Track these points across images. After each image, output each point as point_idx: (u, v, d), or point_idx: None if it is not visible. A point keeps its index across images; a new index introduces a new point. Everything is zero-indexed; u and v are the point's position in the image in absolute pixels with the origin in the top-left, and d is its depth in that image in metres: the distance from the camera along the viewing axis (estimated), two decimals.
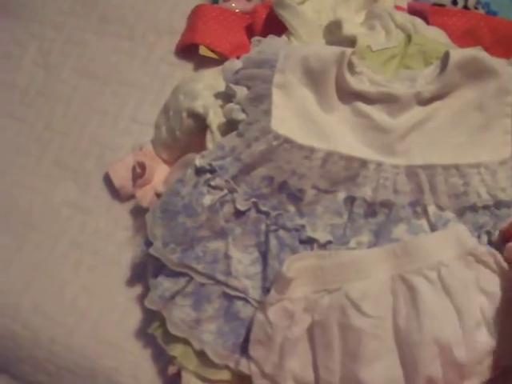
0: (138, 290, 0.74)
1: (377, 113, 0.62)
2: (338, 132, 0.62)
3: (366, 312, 0.55)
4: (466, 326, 0.55)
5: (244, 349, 0.61)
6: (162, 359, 0.68)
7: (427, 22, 0.75)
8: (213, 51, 0.81)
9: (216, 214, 0.62)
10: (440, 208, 0.60)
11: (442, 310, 0.55)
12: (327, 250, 0.59)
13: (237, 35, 0.81)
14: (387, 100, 0.62)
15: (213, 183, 0.62)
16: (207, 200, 0.62)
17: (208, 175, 0.63)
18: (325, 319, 0.56)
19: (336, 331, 0.56)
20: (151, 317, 0.68)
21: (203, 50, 0.81)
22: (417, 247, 0.57)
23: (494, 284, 0.56)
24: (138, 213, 0.76)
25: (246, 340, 0.61)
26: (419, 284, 0.56)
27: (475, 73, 0.62)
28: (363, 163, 0.61)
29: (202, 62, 0.83)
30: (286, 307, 0.56)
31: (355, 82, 0.63)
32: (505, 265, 0.57)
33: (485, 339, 0.55)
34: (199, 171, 0.63)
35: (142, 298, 0.72)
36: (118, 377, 0.70)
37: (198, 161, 0.63)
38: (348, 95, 0.63)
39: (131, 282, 0.74)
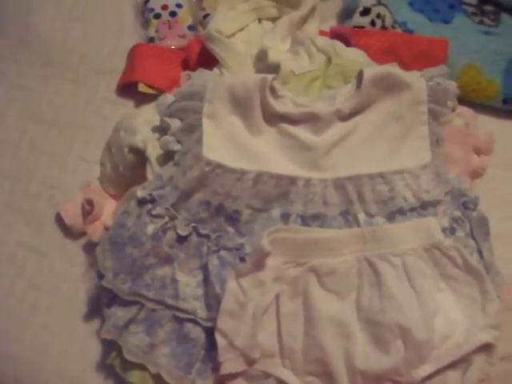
0: (95, 324, 0.75)
1: (301, 132, 0.66)
2: (266, 153, 0.66)
3: (329, 287, 0.59)
4: (425, 311, 0.58)
5: (198, 369, 0.63)
6: None
7: (350, 44, 0.80)
8: (151, 87, 0.85)
9: (160, 242, 0.65)
10: (369, 215, 0.64)
11: (404, 294, 0.59)
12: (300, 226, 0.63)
13: (173, 70, 0.84)
14: (310, 119, 0.66)
15: (154, 212, 0.65)
16: (150, 229, 0.65)
17: (149, 205, 0.66)
18: (292, 289, 0.60)
19: (301, 300, 0.60)
20: (110, 348, 0.70)
21: (142, 87, 0.85)
22: (385, 233, 0.61)
23: (455, 277, 0.61)
24: (91, 248, 0.77)
25: (198, 360, 0.63)
26: (384, 268, 0.60)
27: (389, 87, 0.67)
28: (292, 180, 0.65)
29: (142, 99, 0.87)
30: (258, 276, 0.59)
31: (278, 105, 0.67)
32: (470, 259, 0.61)
33: (441, 327, 0.59)
34: (141, 202, 0.66)
35: (99, 331, 0.73)
36: None
37: (140, 192, 0.66)
38: (273, 118, 0.67)
39: (88, 316, 0.76)
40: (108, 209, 0.78)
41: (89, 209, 0.77)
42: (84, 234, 0.80)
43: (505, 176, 0.80)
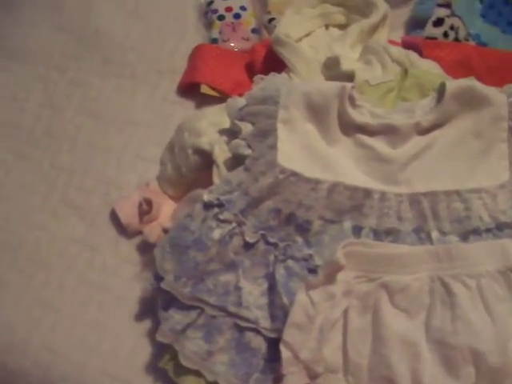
0: (146, 325, 0.74)
1: (378, 144, 0.64)
2: (341, 164, 0.64)
3: (400, 305, 0.57)
4: (499, 336, 0.56)
5: (256, 380, 0.61)
6: None
7: (421, 56, 0.77)
8: (214, 89, 0.84)
9: (225, 247, 0.63)
10: (443, 233, 0.62)
11: (477, 317, 0.56)
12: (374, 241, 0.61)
13: (236, 73, 0.83)
14: (388, 131, 0.65)
15: (221, 217, 0.64)
16: (216, 234, 0.64)
17: (216, 209, 0.65)
18: (362, 304, 0.58)
19: (370, 316, 0.58)
20: (160, 351, 0.69)
21: (204, 89, 0.84)
22: (460, 253, 0.59)
23: None
24: (145, 249, 0.77)
25: (258, 370, 0.62)
26: (458, 289, 0.58)
27: (470, 101, 0.65)
28: (367, 193, 0.63)
29: (203, 101, 0.86)
30: (328, 289, 0.57)
31: (357, 115, 0.65)
32: None
33: None
34: (207, 206, 0.65)
35: (150, 332, 0.73)
36: None
37: (206, 196, 0.65)
38: (350, 128, 0.66)
39: (140, 317, 0.75)
40: (166, 210, 0.77)
41: (147, 208, 0.76)
42: (139, 233, 0.79)
43: None
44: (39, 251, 0.81)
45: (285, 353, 0.57)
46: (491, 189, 0.62)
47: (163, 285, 0.65)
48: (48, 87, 0.94)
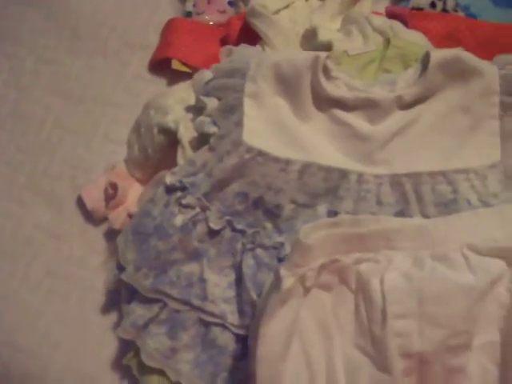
0: (113, 317, 0.70)
1: (356, 120, 0.58)
2: (315, 142, 0.58)
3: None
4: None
5: (223, 380, 0.57)
6: None
7: (406, 27, 0.72)
8: (186, 65, 0.79)
9: (189, 235, 0.58)
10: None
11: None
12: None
13: (211, 48, 0.78)
14: (366, 106, 0.59)
15: (184, 201, 0.59)
16: (179, 220, 0.58)
17: (179, 193, 0.59)
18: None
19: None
20: (128, 346, 0.65)
21: (176, 64, 0.79)
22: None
23: None
24: (112, 236, 0.73)
25: (225, 370, 0.57)
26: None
27: (458, 73, 0.58)
28: (343, 174, 0.57)
29: (176, 77, 0.80)
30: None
31: (331, 88, 0.59)
32: None
33: None
34: (170, 189, 0.60)
35: (117, 326, 0.68)
36: None
37: (169, 178, 0.59)
38: (325, 102, 0.60)
39: (106, 309, 0.71)
40: (133, 194, 0.73)
41: (112, 193, 0.72)
42: (106, 219, 0.75)
43: None
44: (4, 240, 0.77)
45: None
46: (480, 169, 0.56)
47: (123, 276, 0.60)
48: (14, 66, 0.89)
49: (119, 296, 0.67)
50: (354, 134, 0.59)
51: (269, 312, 0.48)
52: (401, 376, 0.49)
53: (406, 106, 0.59)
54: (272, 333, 0.48)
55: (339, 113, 0.59)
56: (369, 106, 0.59)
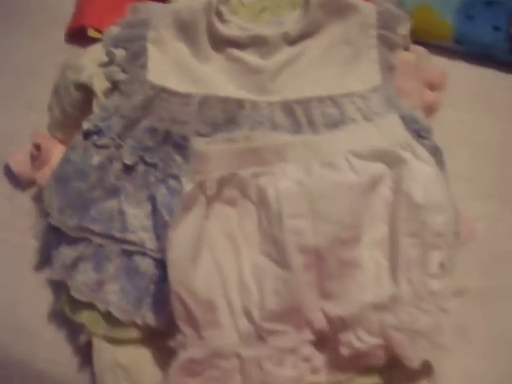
0: (46, 274, 0.73)
1: (249, 56, 0.65)
2: (213, 78, 0.64)
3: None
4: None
5: (148, 304, 0.61)
6: (76, 338, 0.68)
7: None
8: (101, 32, 0.82)
9: (106, 173, 0.63)
10: None
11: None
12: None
13: (124, 14, 0.81)
14: (257, 43, 0.65)
15: (99, 143, 0.63)
16: (96, 160, 0.63)
17: (95, 137, 0.64)
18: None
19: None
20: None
21: (91, 32, 0.83)
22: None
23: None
24: (40, 199, 0.75)
25: (148, 294, 0.61)
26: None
27: (338, 10, 0.66)
28: (240, 104, 0.63)
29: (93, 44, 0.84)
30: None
31: (225, 29, 0.66)
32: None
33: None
34: (87, 134, 0.64)
35: (51, 281, 0.73)
36: (33, 363, 0.70)
37: (85, 124, 0.64)
38: (220, 43, 0.66)
39: (38, 267, 0.74)
40: (56, 154, 0.75)
41: (36, 154, 0.75)
42: (33, 183, 0.78)
43: (458, 116, 0.80)
44: None
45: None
46: (364, 92, 0.64)
47: (50, 220, 0.63)
48: None
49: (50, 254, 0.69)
50: (248, 69, 0.65)
51: (175, 218, 0.54)
52: (301, 271, 0.55)
53: (292, 41, 0.66)
54: (180, 237, 0.54)
55: (233, 51, 0.66)
56: (259, 43, 0.66)
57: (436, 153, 0.66)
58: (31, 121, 0.82)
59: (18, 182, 0.79)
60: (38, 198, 0.77)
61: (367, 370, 0.59)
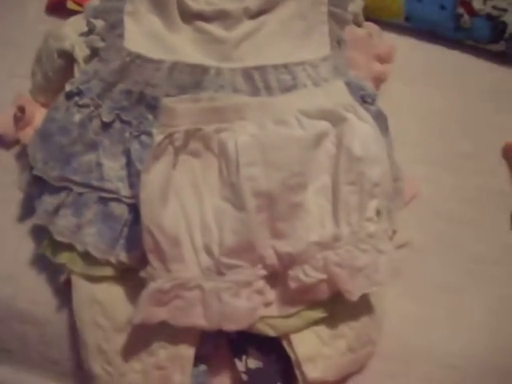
0: (29, 225, 0.80)
1: (214, 28, 0.74)
2: (182, 47, 0.73)
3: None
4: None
5: (122, 245, 0.69)
6: (55, 280, 0.75)
7: None
8: (80, 5, 0.89)
9: (86, 129, 0.71)
10: None
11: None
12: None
13: None
14: (221, 16, 0.74)
15: (80, 102, 0.71)
16: (77, 118, 0.71)
17: (76, 98, 0.71)
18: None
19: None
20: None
21: (70, 4, 0.89)
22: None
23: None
24: (23, 157, 0.82)
25: (122, 236, 0.69)
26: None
27: None
28: (205, 69, 0.72)
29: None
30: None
31: (193, 4, 0.74)
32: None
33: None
34: (69, 95, 0.72)
35: (33, 231, 0.79)
36: (16, 303, 0.76)
37: (68, 86, 0.72)
38: (189, 17, 0.75)
39: (21, 219, 0.81)
40: (39, 117, 0.81)
41: (20, 115, 0.81)
42: (17, 143, 0.84)
43: (405, 88, 0.88)
44: None
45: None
46: (314, 61, 0.73)
47: (34, 171, 0.71)
48: None
49: (32, 207, 0.76)
50: (213, 39, 0.74)
51: (147, 164, 0.62)
52: (255, 213, 0.64)
53: (253, 15, 0.75)
54: (150, 180, 0.62)
55: (201, 24, 0.75)
56: (223, 17, 0.74)
57: (380, 118, 0.75)
58: (13, 86, 0.88)
59: (2, 141, 0.86)
60: (21, 156, 0.84)
61: (314, 305, 0.68)
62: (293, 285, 0.64)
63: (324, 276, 0.64)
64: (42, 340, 0.76)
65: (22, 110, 0.81)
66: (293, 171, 0.64)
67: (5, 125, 0.84)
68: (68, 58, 0.77)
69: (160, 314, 0.63)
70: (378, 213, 0.67)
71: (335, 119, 0.66)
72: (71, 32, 0.78)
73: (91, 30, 0.74)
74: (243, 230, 0.62)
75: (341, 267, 0.64)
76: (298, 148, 0.64)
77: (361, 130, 0.65)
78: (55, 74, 0.79)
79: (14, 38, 0.92)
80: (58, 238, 0.69)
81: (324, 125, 0.66)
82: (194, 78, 0.71)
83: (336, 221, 0.64)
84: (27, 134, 0.81)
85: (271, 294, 0.67)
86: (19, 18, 0.94)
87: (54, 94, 0.81)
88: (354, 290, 0.64)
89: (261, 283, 0.65)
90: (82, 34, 0.77)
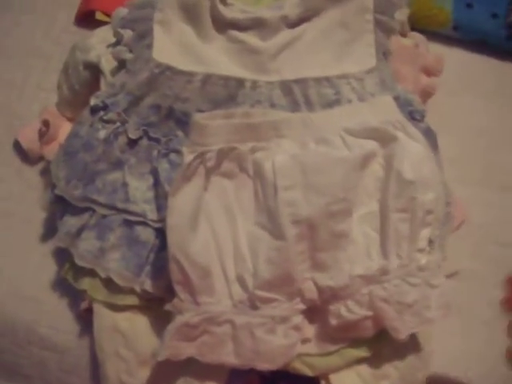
0: (51, 245, 0.76)
1: (249, 38, 0.68)
2: (215, 57, 0.67)
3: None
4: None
5: (147, 272, 0.64)
6: (77, 306, 0.71)
7: None
8: (108, 15, 0.85)
9: (111, 146, 0.66)
10: None
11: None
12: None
13: None
14: (257, 25, 0.68)
15: (106, 118, 0.66)
16: (102, 134, 0.66)
17: (102, 112, 0.67)
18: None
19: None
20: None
21: (99, 15, 0.85)
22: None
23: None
24: (47, 173, 0.78)
25: (148, 263, 0.64)
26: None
27: None
28: (240, 82, 0.66)
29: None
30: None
31: (227, 12, 0.69)
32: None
33: None
34: (94, 110, 0.68)
35: (55, 252, 0.76)
36: (36, 327, 0.73)
37: (93, 100, 0.67)
38: (222, 25, 0.69)
39: (44, 238, 0.77)
40: (64, 131, 0.78)
41: (45, 130, 0.78)
42: (41, 159, 0.81)
43: (453, 101, 0.82)
44: None
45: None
46: (359, 74, 0.67)
47: (56, 191, 0.66)
48: None
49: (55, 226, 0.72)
50: (248, 50, 0.68)
51: (175, 186, 0.57)
52: (294, 241, 0.58)
53: (292, 24, 0.69)
54: (179, 205, 0.57)
55: (235, 33, 0.69)
56: (259, 25, 0.69)
57: (429, 135, 0.68)
58: (40, 100, 0.86)
59: (27, 157, 0.82)
60: (46, 173, 0.80)
61: (356, 342, 0.62)
62: (334, 321, 0.58)
63: (369, 313, 0.58)
64: (61, 368, 0.72)
65: (46, 124, 0.78)
66: (336, 196, 0.57)
67: (30, 140, 0.80)
68: (94, 70, 0.73)
69: (187, 349, 0.58)
70: (430, 242, 0.60)
71: (384, 138, 0.60)
72: (98, 43, 0.74)
73: (119, 41, 0.69)
74: (280, 261, 0.57)
75: (388, 303, 0.58)
76: (343, 170, 0.58)
77: (412, 151, 0.59)
78: (81, 86, 0.75)
79: (42, 50, 0.89)
80: (80, 262, 0.65)
81: (371, 144, 0.60)
82: (227, 92, 0.66)
83: (384, 252, 0.58)
84: (52, 150, 0.77)
85: (309, 330, 0.61)
86: (48, 29, 0.91)
87: (80, 107, 0.77)
88: (401, 329, 0.58)
89: (298, 318, 0.59)
90: (110, 45, 0.72)
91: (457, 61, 0.85)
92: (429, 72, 0.76)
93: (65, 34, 0.90)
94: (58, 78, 0.81)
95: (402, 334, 0.58)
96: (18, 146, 0.82)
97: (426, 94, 0.75)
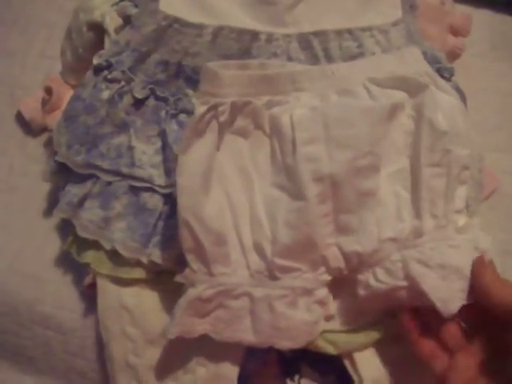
0: (55, 220, 0.72)
1: None
2: (227, 9, 0.61)
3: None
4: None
5: (155, 242, 0.59)
6: (81, 284, 0.67)
7: None
8: None
9: (115, 107, 0.61)
10: None
11: None
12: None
13: None
14: None
15: (110, 77, 0.61)
16: (105, 94, 0.61)
17: (105, 72, 0.62)
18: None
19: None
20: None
21: None
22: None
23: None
24: (51, 144, 0.74)
25: (156, 232, 0.59)
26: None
27: None
28: (254, 35, 0.60)
29: None
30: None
31: None
32: None
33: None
34: (97, 70, 0.62)
35: (59, 227, 0.72)
36: (39, 307, 0.69)
37: (96, 59, 0.62)
38: None
39: (48, 213, 0.73)
40: (68, 99, 0.73)
41: (48, 98, 0.73)
42: (44, 130, 0.77)
43: (481, 64, 0.78)
44: None
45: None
46: (383, 26, 0.61)
47: (57, 157, 0.62)
48: None
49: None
50: (263, 0, 0.62)
51: (185, 141, 0.51)
52: (316, 201, 0.52)
53: None
54: (190, 162, 0.51)
55: None
56: None
57: (458, 93, 0.62)
58: (44, 69, 0.82)
59: (30, 129, 0.78)
60: (49, 145, 0.76)
61: (383, 321, 0.56)
62: (362, 292, 0.52)
63: (402, 282, 0.51)
64: (66, 349, 0.68)
65: (49, 91, 0.73)
66: (362, 150, 0.51)
67: (32, 109, 0.76)
68: (99, 31, 0.68)
69: (200, 326, 0.52)
70: (467, 204, 0.54)
71: (412, 88, 0.54)
72: (102, 4, 0.69)
73: None
74: (301, 224, 0.51)
75: (429, 267, 0.49)
76: (369, 121, 0.51)
77: (444, 102, 0.52)
78: (85, 50, 0.70)
79: (45, 18, 0.85)
80: (82, 234, 0.60)
81: (399, 94, 0.53)
82: (241, 45, 0.60)
83: (417, 212, 0.51)
84: (55, 119, 0.72)
85: (333, 305, 0.55)
86: None
87: (84, 74, 0.72)
88: (450, 299, 0.49)
89: (323, 292, 0.53)
90: (114, 5, 0.67)
91: (484, 22, 0.80)
92: (456, 32, 0.71)
93: (69, 1, 0.86)
94: (62, 44, 0.76)
95: (452, 306, 0.49)
96: (20, 118, 0.79)
97: (453, 55, 0.70)
